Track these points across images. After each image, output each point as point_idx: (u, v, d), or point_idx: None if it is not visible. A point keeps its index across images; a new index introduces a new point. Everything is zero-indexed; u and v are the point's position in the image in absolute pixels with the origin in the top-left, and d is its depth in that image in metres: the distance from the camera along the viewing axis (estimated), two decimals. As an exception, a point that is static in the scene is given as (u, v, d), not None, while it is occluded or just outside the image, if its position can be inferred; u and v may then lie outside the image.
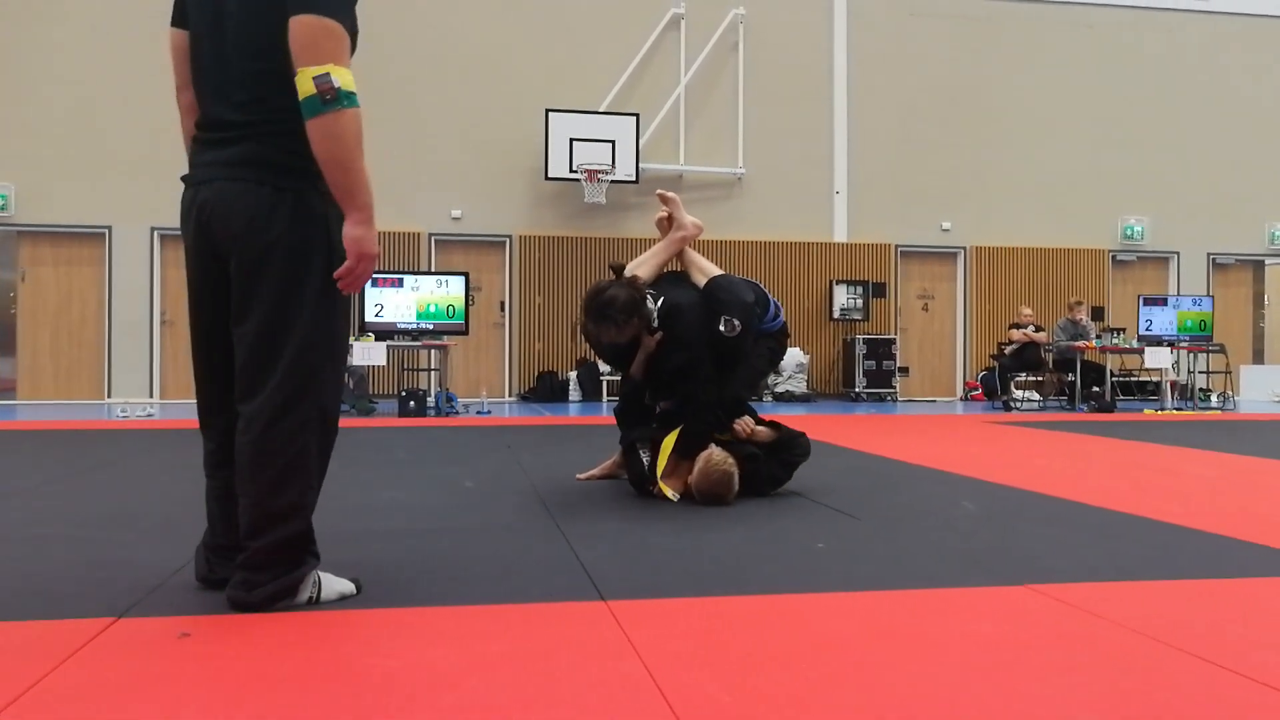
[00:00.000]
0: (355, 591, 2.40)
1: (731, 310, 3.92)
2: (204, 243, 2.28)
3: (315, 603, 2.30)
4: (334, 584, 2.37)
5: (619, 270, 4.01)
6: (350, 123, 2.16)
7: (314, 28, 2.14)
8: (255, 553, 2.23)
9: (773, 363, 4.31)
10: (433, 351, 10.64)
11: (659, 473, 3.91)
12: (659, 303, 3.96)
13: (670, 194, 4.33)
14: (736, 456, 3.92)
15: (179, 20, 2.37)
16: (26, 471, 4.96)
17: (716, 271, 4.20)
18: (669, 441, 3.94)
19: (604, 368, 11.64)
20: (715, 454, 3.82)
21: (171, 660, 1.93)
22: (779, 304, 4.31)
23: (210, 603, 2.31)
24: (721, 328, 3.88)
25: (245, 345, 2.24)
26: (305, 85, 2.13)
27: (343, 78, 2.14)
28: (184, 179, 2.35)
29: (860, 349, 12.32)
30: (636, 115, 12.03)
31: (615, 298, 3.81)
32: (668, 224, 4.31)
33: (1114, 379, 11.45)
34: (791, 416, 9.29)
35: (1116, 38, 13.54)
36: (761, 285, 4.31)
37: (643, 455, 4.02)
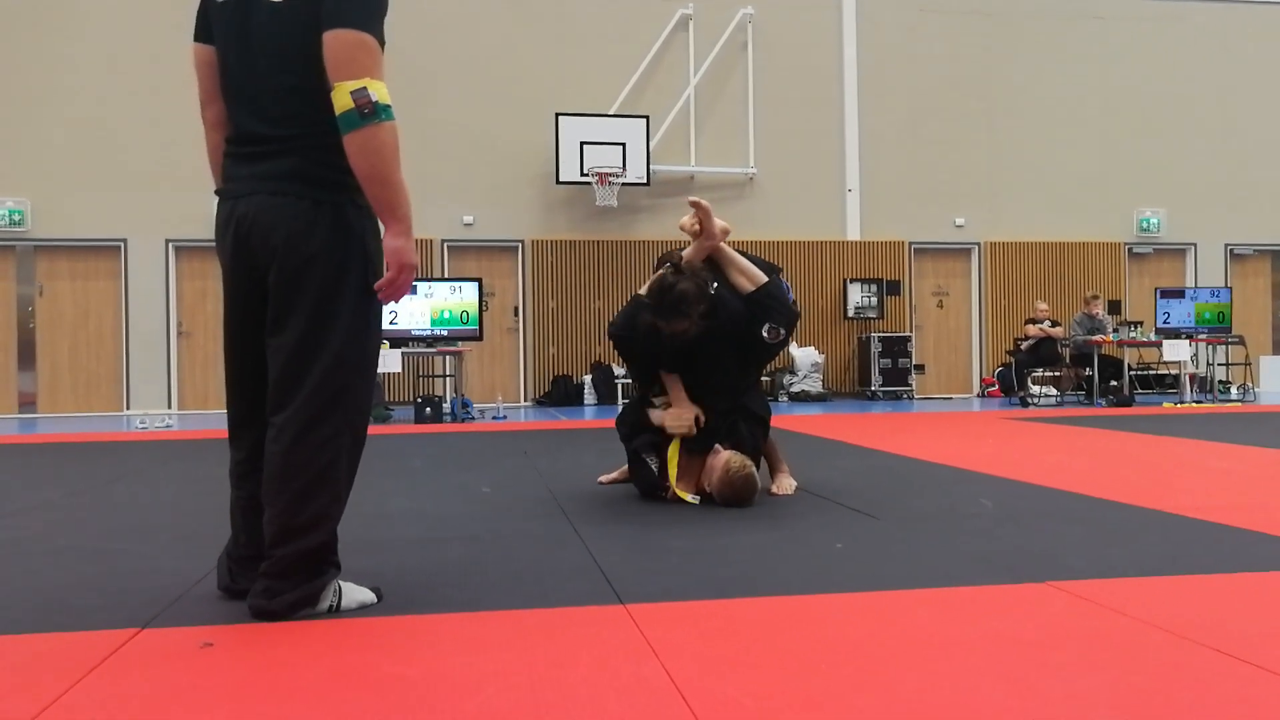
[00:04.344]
0: (375, 601, 2.41)
1: (778, 319, 3.95)
2: (242, 256, 2.30)
3: (336, 611, 2.31)
4: (354, 593, 2.38)
5: (677, 264, 3.88)
6: (388, 136, 2.18)
7: (349, 42, 2.15)
8: (278, 561, 2.25)
9: (785, 342, 4.31)
10: (448, 358, 10.67)
11: (672, 479, 3.91)
12: (714, 287, 3.93)
13: (703, 203, 4.14)
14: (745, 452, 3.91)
15: (203, 35, 2.38)
16: (48, 484, 5.00)
17: (754, 270, 4.08)
18: (674, 446, 3.94)
19: (619, 370, 11.64)
20: (733, 459, 3.81)
21: (195, 670, 1.95)
22: (788, 284, 4.38)
23: (232, 612, 2.32)
24: (765, 334, 3.93)
25: (281, 357, 2.26)
26: (343, 100, 2.14)
27: (379, 91, 2.16)
28: (219, 193, 2.37)
29: (876, 347, 12.28)
30: (646, 117, 12.03)
31: (687, 291, 3.73)
32: (697, 230, 4.16)
33: (1132, 373, 11.37)
34: (807, 417, 9.28)
35: (1127, 29, 13.45)
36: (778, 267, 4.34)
37: (650, 462, 4.02)
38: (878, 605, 2.38)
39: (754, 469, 3.84)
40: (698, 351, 3.95)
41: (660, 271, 3.90)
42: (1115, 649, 2.00)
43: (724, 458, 3.82)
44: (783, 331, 3.97)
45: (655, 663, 1.93)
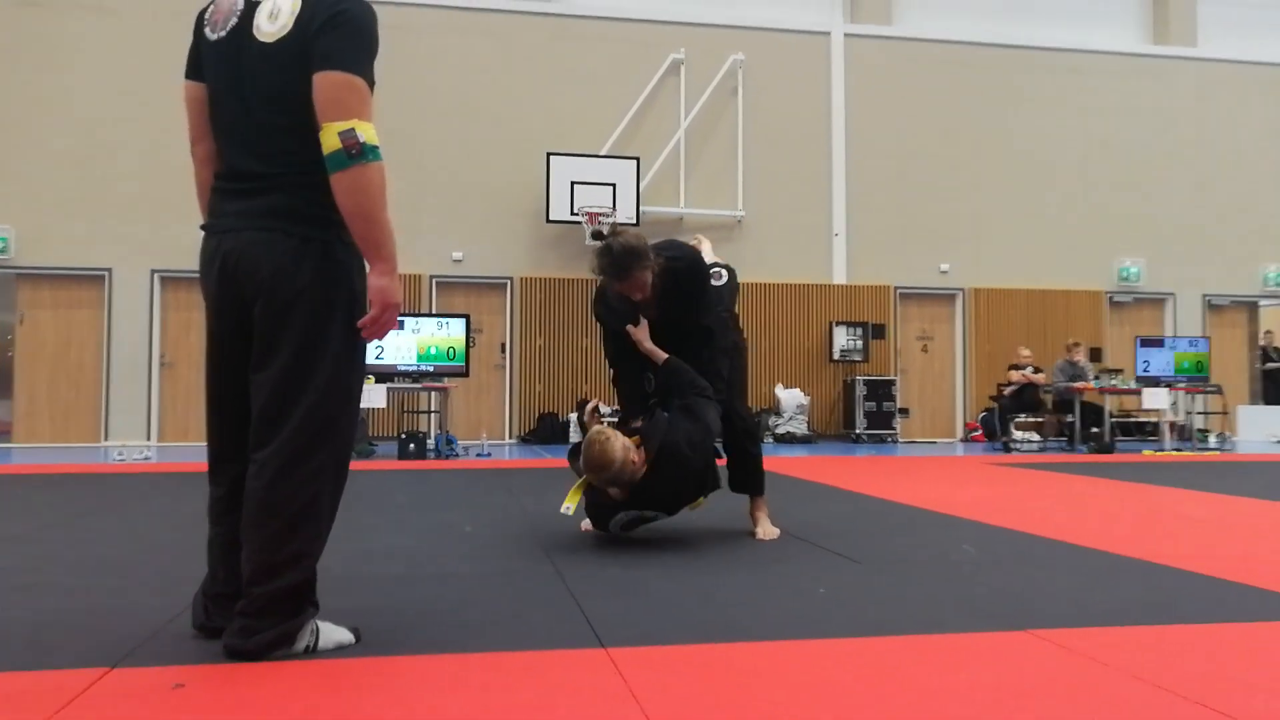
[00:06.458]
0: (353, 641, 2.37)
1: (720, 268, 4.51)
2: (227, 291, 2.30)
3: (312, 652, 2.28)
4: (332, 633, 2.35)
5: (604, 233, 3.98)
6: (375, 176, 2.21)
7: (339, 84, 2.19)
8: (255, 599, 2.22)
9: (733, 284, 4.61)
10: (433, 393, 10.65)
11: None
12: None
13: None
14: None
15: (194, 73, 2.40)
16: (21, 517, 4.93)
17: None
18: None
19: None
20: (596, 432, 3.70)
21: (165, 712, 1.91)
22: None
23: (206, 652, 2.28)
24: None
25: (264, 392, 2.25)
26: (331, 140, 2.17)
27: (367, 132, 2.19)
28: (205, 228, 2.38)
29: (860, 390, 12.33)
30: (637, 159, 12.14)
31: (629, 243, 3.77)
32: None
33: (1113, 420, 11.45)
34: (792, 459, 9.27)
35: (1109, 83, 13.72)
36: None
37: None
38: (860, 651, 2.37)
39: (609, 438, 3.65)
40: (667, 310, 3.97)
41: (597, 250, 3.90)
42: (1094, 699, 1.99)
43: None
44: (724, 272, 4.50)
45: (635, 706, 1.91)
